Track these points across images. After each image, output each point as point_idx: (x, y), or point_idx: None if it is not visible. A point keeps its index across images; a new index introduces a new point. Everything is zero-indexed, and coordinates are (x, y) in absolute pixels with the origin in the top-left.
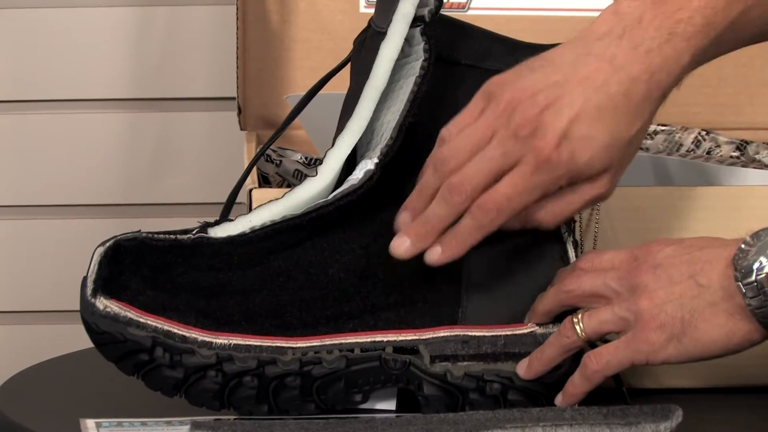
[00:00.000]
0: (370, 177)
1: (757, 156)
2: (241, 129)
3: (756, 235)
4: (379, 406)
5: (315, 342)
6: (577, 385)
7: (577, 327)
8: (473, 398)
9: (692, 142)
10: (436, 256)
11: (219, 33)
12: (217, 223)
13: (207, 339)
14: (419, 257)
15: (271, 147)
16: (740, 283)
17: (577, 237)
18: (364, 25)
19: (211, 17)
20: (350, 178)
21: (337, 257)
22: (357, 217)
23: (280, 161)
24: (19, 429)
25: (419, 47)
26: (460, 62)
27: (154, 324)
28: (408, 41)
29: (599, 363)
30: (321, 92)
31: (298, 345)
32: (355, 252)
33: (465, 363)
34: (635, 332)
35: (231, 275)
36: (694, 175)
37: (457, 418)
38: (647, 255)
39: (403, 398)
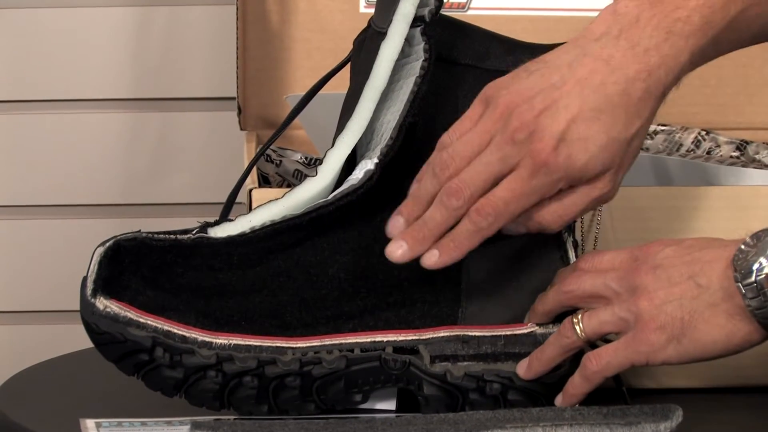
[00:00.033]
0: (370, 177)
1: (757, 156)
2: (241, 129)
3: (756, 236)
4: (379, 406)
5: (315, 342)
6: (576, 385)
7: (577, 327)
8: (473, 398)
9: (692, 142)
10: (433, 260)
11: (219, 33)
12: (217, 223)
13: (207, 339)
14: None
15: (271, 147)
16: (740, 284)
17: (577, 237)
18: (364, 25)
19: (211, 17)
20: (350, 178)
21: (337, 257)
22: (357, 217)
23: (280, 161)
24: (19, 429)
25: (419, 47)
26: (460, 62)
27: (154, 324)
28: (408, 41)
29: (599, 364)
30: (321, 92)
31: (298, 345)
32: (355, 252)
33: (465, 363)
34: (635, 333)
35: (231, 275)
36: (694, 175)
37: (457, 418)
38: (647, 256)
39: (403, 398)
